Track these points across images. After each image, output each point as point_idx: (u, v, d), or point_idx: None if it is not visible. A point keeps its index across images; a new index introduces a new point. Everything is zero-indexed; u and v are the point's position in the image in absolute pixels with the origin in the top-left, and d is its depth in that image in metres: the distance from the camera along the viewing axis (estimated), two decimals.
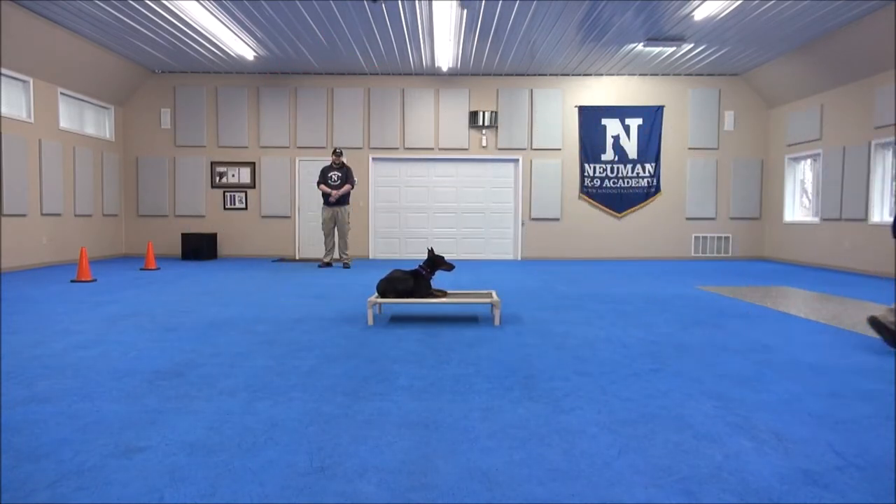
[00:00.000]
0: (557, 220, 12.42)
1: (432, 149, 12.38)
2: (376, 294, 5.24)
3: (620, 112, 12.31)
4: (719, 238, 12.47)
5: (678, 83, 12.29)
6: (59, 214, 10.23)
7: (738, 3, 8.11)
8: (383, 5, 6.58)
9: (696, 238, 12.46)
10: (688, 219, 12.45)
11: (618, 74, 12.21)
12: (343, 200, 10.20)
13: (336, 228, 10.31)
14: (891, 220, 9.15)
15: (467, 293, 5.58)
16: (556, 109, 12.26)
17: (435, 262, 5.38)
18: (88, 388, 3.13)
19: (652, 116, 12.30)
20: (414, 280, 5.26)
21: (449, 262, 5.46)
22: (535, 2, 8.20)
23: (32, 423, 2.59)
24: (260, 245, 12.43)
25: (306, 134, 12.32)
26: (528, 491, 2.00)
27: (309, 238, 12.45)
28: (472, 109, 12.25)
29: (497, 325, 4.97)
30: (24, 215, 9.36)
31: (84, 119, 11.15)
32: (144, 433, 2.49)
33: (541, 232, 12.46)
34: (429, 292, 5.28)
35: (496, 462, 2.22)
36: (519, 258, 12.45)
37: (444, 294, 5.36)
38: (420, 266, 5.37)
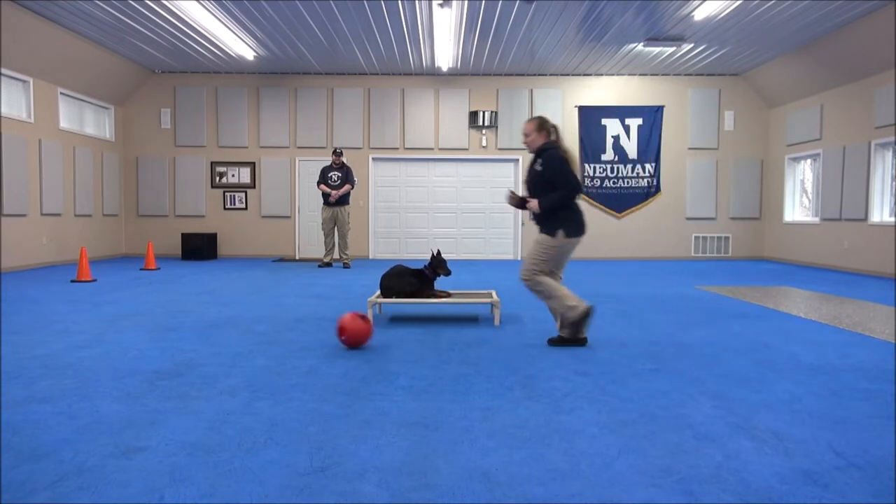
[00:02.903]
0: None
1: (432, 149, 12.38)
2: (378, 292, 5.24)
3: (620, 112, 12.31)
4: (719, 238, 12.47)
5: (678, 83, 12.29)
6: (59, 214, 10.23)
7: (738, 3, 8.11)
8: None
9: (696, 238, 12.46)
10: (688, 219, 12.44)
11: (618, 74, 12.21)
12: (343, 200, 10.20)
13: (336, 228, 10.30)
14: (891, 220, 9.14)
15: (467, 293, 5.59)
16: (556, 109, 12.25)
17: (436, 264, 5.39)
18: (88, 388, 3.13)
19: (652, 116, 12.29)
20: (419, 282, 5.28)
21: (447, 268, 5.47)
22: (535, 2, 8.20)
23: (32, 423, 2.59)
24: (260, 245, 12.43)
25: (306, 134, 12.31)
26: (528, 491, 2.00)
27: (309, 238, 12.45)
28: (472, 109, 12.25)
29: (497, 325, 4.97)
30: (24, 215, 9.35)
31: (84, 119, 11.15)
32: (144, 433, 2.49)
33: None
34: (432, 293, 5.29)
35: (496, 462, 2.22)
36: (519, 258, 12.44)
37: (446, 294, 5.37)
38: (424, 267, 5.39)
